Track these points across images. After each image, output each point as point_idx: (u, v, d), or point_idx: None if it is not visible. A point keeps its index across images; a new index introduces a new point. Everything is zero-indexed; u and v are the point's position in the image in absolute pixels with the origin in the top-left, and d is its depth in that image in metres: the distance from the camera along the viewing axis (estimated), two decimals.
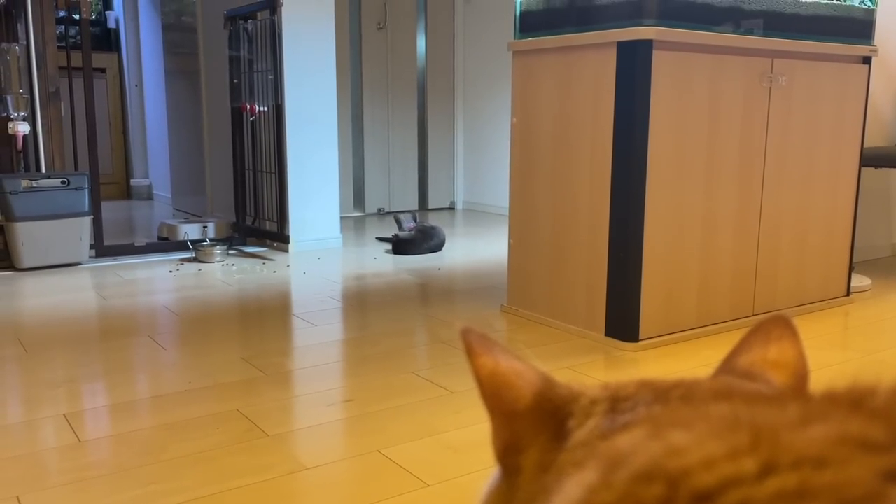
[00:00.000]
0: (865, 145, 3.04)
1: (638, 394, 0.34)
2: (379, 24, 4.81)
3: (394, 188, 5.03)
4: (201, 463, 1.43)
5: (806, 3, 2.30)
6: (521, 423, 0.36)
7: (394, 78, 4.92)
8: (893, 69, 3.34)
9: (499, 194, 4.92)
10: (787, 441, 0.25)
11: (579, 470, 0.29)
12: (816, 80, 2.40)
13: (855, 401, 0.28)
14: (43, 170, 3.27)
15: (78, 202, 3.21)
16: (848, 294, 2.66)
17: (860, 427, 0.25)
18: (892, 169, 3.38)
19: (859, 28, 2.46)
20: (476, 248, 3.69)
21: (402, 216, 3.75)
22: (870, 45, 2.50)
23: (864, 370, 1.98)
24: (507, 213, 2.49)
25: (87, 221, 3.24)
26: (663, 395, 0.33)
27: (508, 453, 0.36)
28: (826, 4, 2.35)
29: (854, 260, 2.87)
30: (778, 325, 0.42)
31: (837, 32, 2.40)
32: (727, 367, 0.41)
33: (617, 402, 0.33)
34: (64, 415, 1.65)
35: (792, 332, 0.42)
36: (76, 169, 3.44)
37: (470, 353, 0.37)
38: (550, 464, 0.33)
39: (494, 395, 0.37)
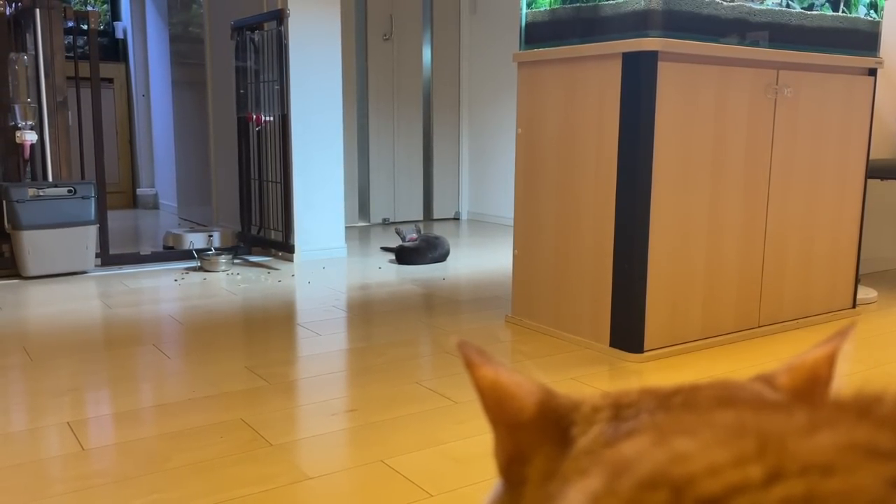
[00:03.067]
0: (871, 157, 3.03)
1: (640, 401, 0.33)
2: (385, 35, 4.83)
3: (399, 198, 5.04)
4: (204, 472, 1.43)
5: (811, 14, 2.30)
6: (526, 433, 0.35)
7: (399, 89, 4.94)
8: None
9: (504, 205, 4.92)
10: (793, 448, 0.25)
11: (583, 477, 0.29)
12: (822, 91, 2.40)
13: (862, 408, 0.28)
14: (50, 178, 3.29)
15: (84, 211, 3.22)
16: (854, 306, 2.65)
17: (867, 434, 0.25)
18: None
19: (865, 40, 2.46)
20: (481, 259, 3.69)
21: (403, 228, 3.75)
22: (875, 56, 2.50)
23: (870, 382, 1.97)
24: (511, 223, 2.49)
25: (92, 230, 3.25)
26: (665, 401, 0.33)
27: (513, 465, 0.36)
28: (831, 16, 2.35)
29: (860, 272, 2.86)
30: (828, 337, 0.40)
31: (843, 44, 2.40)
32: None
33: (619, 410, 0.33)
34: (68, 423, 1.65)
35: (835, 337, 0.39)
36: (83, 178, 3.45)
37: (470, 365, 0.37)
38: (554, 472, 0.33)
39: (497, 407, 0.36)
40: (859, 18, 2.43)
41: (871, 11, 2.46)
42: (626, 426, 0.32)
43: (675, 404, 0.33)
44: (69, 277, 3.18)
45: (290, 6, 3.41)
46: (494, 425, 0.37)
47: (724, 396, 0.33)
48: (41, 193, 3.14)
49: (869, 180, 3.08)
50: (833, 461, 0.24)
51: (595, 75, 2.13)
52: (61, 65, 3.29)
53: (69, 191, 3.19)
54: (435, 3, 5.00)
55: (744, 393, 0.35)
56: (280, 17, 3.42)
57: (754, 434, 0.26)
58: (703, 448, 0.26)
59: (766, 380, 0.38)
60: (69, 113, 3.36)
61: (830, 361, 0.39)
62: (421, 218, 5.14)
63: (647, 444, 0.28)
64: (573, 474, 0.31)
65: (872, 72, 2.54)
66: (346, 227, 4.15)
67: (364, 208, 4.96)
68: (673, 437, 0.27)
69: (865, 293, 2.81)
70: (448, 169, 5.20)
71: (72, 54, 3.37)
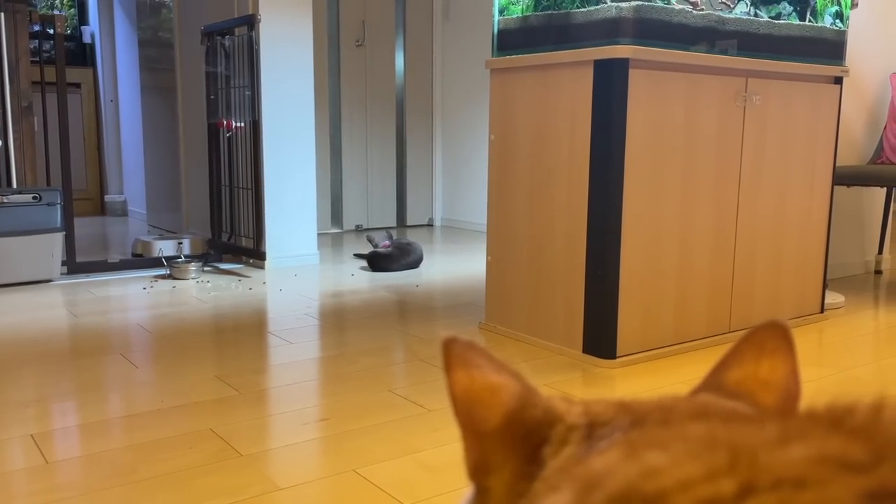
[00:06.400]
0: (838, 164, 3.08)
1: (615, 419, 0.33)
2: (357, 41, 4.82)
3: (372, 205, 5.02)
4: (173, 484, 1.40)
5: (779, 24, 2.34)
6: (490, 443, 0.35)
7: (372, 95, 4.92)
8: (864, 89, 3.40)
9: (477, 211, 4.92)
10: (765, 461, 0.24)
11: (553, 493, 0.28)
12: (790, 99, 2.43)
13: (834, 419, 0.27)
14: (14, 185, 3.22)
15: (50, 218, 3.16)
16: (822, 311, 2.69)
17: (840, 446, 0.25)
18: (864, 187, 3.43)
19: (831, 49, 2.50)
20: (454, 265, 3.69)
21: (375, 234, 3.73)
22: (841, 65, 2.54)
23: (838, 387, 2.00)
24: (485, 229, 2.49)
25: (58, 237, 3.20)
26: (642, 419, 0.32)
27: (478, 472, 0.35)
28: (798, 25, 2.39)
29: (828, 277, 2.90)
30: (773, 336, 0.39)
31: (810, 53, 2.44)
32: (716, 381, 0.40)
33: (594, 428, 0.32)
34: (31, 435, 1.61)
35: (787, 344, 0.39)
36: (48, 184, 3.39)
37: (447, 368, 0.36)
38: (525, 491, 0.32)
39: (466, 413, 0.36)
40: (825, 28, 2.47)
41: (837, 21, 2.50)
42: (598, 445, 0.31)
43: (650, 421, 0.32)
44: (34, 286, 3.12)
45: (261, 11, 3.39)
46: (462, 431, 0.36)
47: (700, 411, 0.33)
48: (5, 200, 3.07)
49: (836, 187, 3.13)
50: (805, 474, 0.23)
51: (567, 82, 2.14)
52: (26, 69, 3.23)
53: (34, 197, 3.13)
54: (407, 10, 5.00)
55: (720, 407, 0.34)
56: (251, 22, 3.39)
57: (726, 447, 0.25)
58: (675, 462, 0.25)
59: (736, 395, 0.38)
60: (35, 118, 3.30)
61: (796, 374, 0.39)
62: (394, 224, 5.12)
63: (618, 459, 0.27)
64: (544, 491, 0.30)
65: (838, 80, 2.58)
66: (319, 234, 4.12)
67: (337, 215, 4.93)
68: (644, 451, 0.27)
69: (833, 298, 2.86)
70: (421, 175, 5.19)
71: (37, 59, 3.31)
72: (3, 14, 3.14)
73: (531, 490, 0.31)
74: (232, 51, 3.56)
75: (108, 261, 3.48)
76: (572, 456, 0.31)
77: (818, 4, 2.43)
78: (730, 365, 0.39)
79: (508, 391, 0.36)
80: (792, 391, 0.38)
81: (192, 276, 3.32)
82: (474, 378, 0.36)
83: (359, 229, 4.94)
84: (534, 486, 0.31)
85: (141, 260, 3.55)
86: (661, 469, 0.25)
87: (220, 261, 3.71)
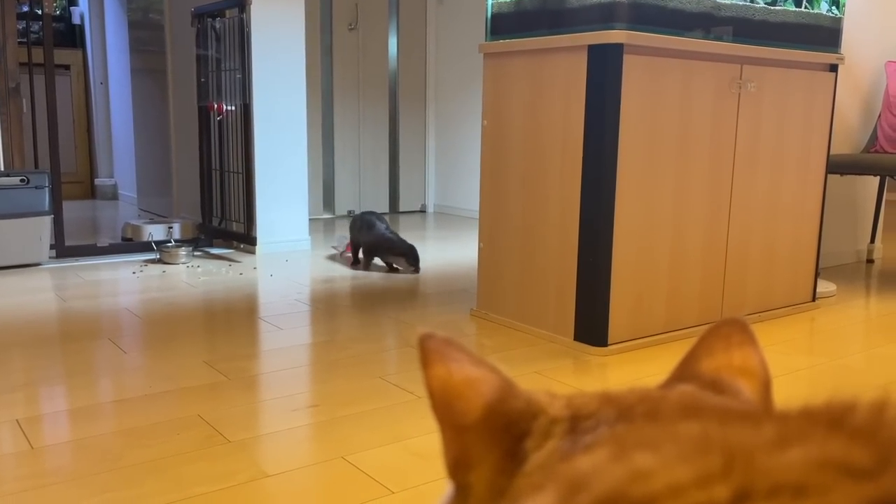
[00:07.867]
0: (832, 152, 3.07)
1: (601, 411, 0.31)
2: (350, 25, 4.77)
3: (364, 190, 4.99)
4: (160, 470, 1.39)
5: (775, 10, 2.32)
6: (470, 437, 0.33)
7: (365, 79, 4.88)
8: (859, 77, 3.39)
9: (470, 197, 4.90)
10: (762, 465, 0.23)
11: (536, 493, 0.27)
12: (784, 86, 2.41)
13: (834, 419, 0.26)
14: (1, 167, 3.19)
15: (38, 201, 3.13)
16: (814, 300, 2.69)
17: (842, 449, 0.23)
18: (858, 176, 3.43)
19: (826, 36, 2.48)
20: (447, 252, 3.67)
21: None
22: (836, 52, 2.53)
23: (830, 376, 1.99)
24: (478, 216, 2.47)
25: (47, 221, 3.16)
26: (627, 411, 0.31)
27: (458, 469, 0.34)
28: (794, 12, 2.37)
29: (820, 266, 2.90)
30: (737, 330, 0.40)
31: (805, 40, 2.42)
32: (688, 372, 0.39)
33: (578, 421, 0.31)
34: (17, 420, 1.59)
35: (752, 338, 0.40)
36: (37, 167, 3.35)
37: (423, 364, 0.35)
38: (506, 487, 0.30)
39: (445, 407, 0.34)
40: (821, 14, 2.45)
41: (833, 7, 2.48)
42: (584, 440, 0.30)
43: (637, 414, 0.31)
44: (22, 270, 3.09)
45: None
46: (441, 426, 0.35)
47: (691, 406, 0.31)
48: None
49: (829, 175, 3.12)
50: (805, 480, 0.22)
51: (561, 67, 2.11)
52: (14, 50, 3.19)
53: (22, 180, 3.10)
54: None
55: (712, 402, 0.33)
56: (242, 4, 3.35)
57: (720, 449, 0.24)
58: (665, 465, 0.24)
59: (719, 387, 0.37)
60: (22, 100, 3.26)
61: (766, 364, 0.39)
62: (387, 210, 5.10)
63: (606, 459, 0.26)
64: (526, 489, 0.28)
65: (833, 68, 2.56)
66: (311, 219, 4.10)
67: (329, 200, 4.90)
68: (633, 452, 0.25)
69: (825, 287, 2.85)
70: (414, 161, 5.17)
71: (25, 40, 3.26)
72: None
73: (513, 487, 0.30)
74: (223, 33, 3.51)
75: (98, 245, 3.45)
76: (556, 451, 0.30)
77: None
78: (699, 356, 0.40)
79: (488, 383, 0.34)
80: (767, 379, 0.38)
81: (183, 260, 3.29)
82: (452, 372, 0.35)
83: (351, 215, 4.91)
84: (516, 482, 0.30)
85: (130, 244, 3.52)
86: (650, 472, 0.24)
87: (211, 245, 3.68)
